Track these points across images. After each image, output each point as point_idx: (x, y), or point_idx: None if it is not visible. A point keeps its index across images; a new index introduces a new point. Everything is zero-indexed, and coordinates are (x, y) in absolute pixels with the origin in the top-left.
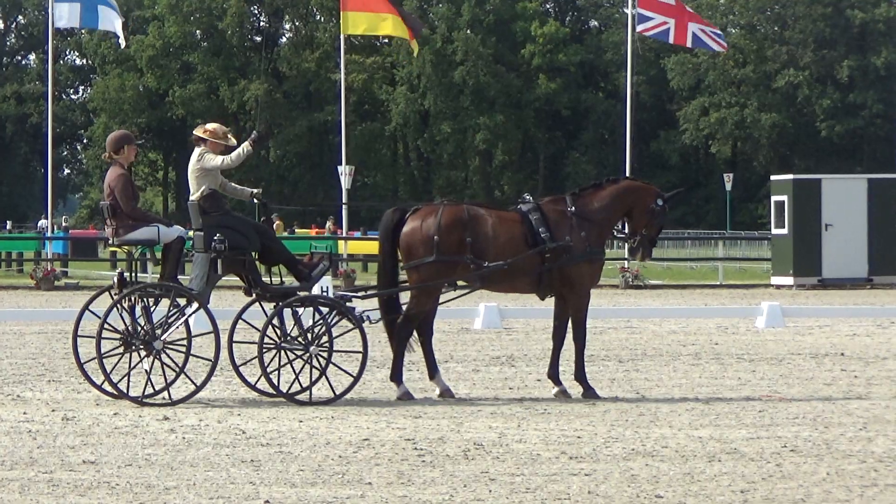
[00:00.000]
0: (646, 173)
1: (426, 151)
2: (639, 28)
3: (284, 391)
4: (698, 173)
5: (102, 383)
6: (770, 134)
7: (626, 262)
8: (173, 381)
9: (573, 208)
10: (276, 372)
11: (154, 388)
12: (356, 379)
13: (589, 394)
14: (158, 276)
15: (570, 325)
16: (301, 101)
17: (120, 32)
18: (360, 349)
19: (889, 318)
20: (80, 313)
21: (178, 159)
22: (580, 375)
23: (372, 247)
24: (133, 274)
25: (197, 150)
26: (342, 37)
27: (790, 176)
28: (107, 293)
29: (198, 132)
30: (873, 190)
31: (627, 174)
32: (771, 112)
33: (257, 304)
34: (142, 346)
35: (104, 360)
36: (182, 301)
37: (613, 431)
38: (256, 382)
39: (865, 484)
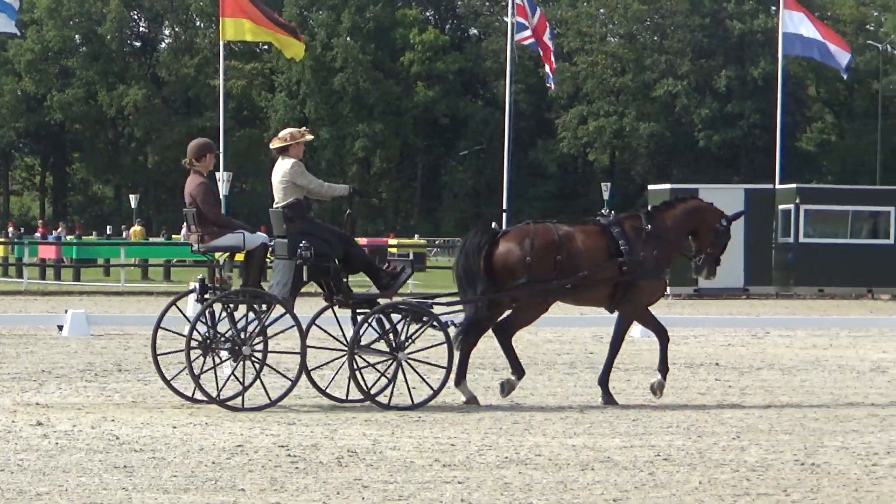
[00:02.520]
0: (524, 182)
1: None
2: (517, 37)
3: (371, 394)
4: (576, 182)
5: (194, 392)
6: (648, 143)
7: None
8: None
9: (649, 226)
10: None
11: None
12: (438, 389)
13: (607, 399)
14: (241, 282)
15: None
16: (180, 106)
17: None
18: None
19: (764, 328)
20: (161, 315)
21: (56, 164)
22: (604, 379)
23: None
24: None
25: (288, 161)
26: (221, 43)
27: (668, 185)
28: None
29: (276, 144)
30: (750, 200)
31: (505, 183)
32: (649, 121)
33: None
34: (228, 351)
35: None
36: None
37: (487, 439)
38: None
39: (738, 493)
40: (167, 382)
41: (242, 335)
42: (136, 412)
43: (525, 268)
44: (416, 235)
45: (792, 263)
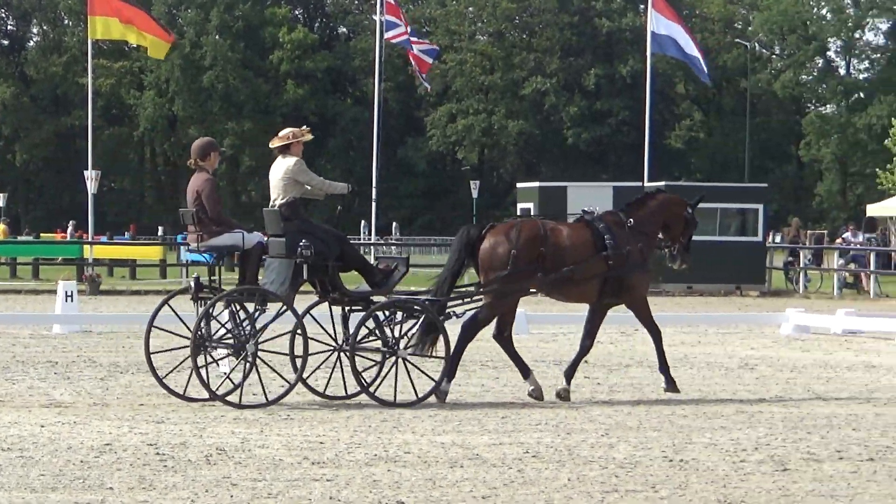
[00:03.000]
0: (393, 180)
1: (173, 156)
2: (387, 35)
3: (370, 390)
4: (445, 180)
5: (218, 392)
6: (517, 141)
7: None
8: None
9: (630, 221)
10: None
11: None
12: (438, 383)
13: (670, 387)
14: (237, 281)
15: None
16: (48, 105)
17: None
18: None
19: (633, 325)
20: (154, 314)
21: None
22: (664, 369)
23: (118, 251)
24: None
25: (291, 158)
26: (90, 41)
27: (536, 183)
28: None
29: (276, 143)
30: (619, 197)
31: (374, 181)
32: (518, 119)
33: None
34: (231, 349)
35: (161, 361)
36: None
37: (356, 437)
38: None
39: (606, 490)
40: (160, 380)
41: (246, 333)
42: (4, 411)
43: (512, 260)
44: None
45: (661, 261)
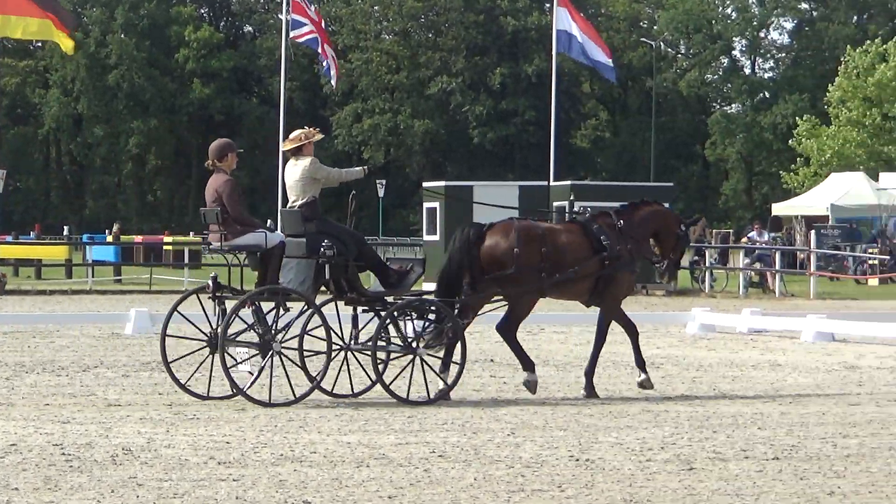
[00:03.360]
0: None
1: (79, 156)
2: (292, 34)
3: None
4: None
5: (245, 390)
6: (423, 140)
7: None
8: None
9: (620, 223)
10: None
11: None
12: (453, 383)
13: (590, 392)
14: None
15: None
16: None
17: None
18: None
19: (539, 324)
20: (169, 315)
21: None
22: (590, 371)
23: (23, 251)
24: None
25: (306, 159)
26: None
27: (442, 182)
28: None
29: (289, 146)
30: (525, 197)
31: (280, 180)
32: (424, 118)
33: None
34: (257, 348)
35: (171, 362)
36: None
37: (262, 437)
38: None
39: (513, 489)
40: (174, 378)
41: (272, 332)
42: None
43: (513, 259)
44: (191, 233)
45: None
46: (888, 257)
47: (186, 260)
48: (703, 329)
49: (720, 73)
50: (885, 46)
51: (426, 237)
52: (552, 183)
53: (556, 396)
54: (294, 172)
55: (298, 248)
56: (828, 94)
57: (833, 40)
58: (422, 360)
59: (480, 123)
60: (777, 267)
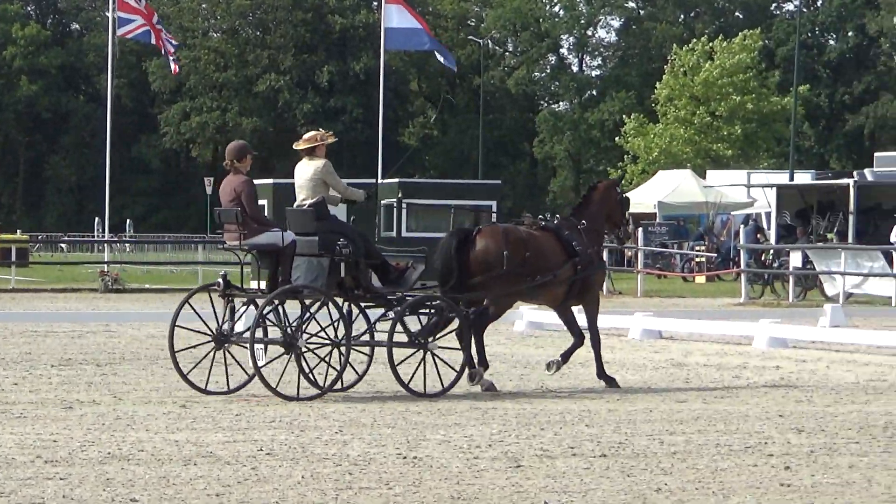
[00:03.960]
0: (127, 178)
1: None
2: (120, 31)
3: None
4: (179, 177)
5: (281, 385)
6: (251, 138)
7: (104, 265)
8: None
9: (584, 222)
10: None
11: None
12: (459, 374)
13: (611, 384)
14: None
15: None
16: None
17: None
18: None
19: None
20: (177, 311)
21: None
22: (601, 371)
23: None
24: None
25: (319, 161)
26: None
27: (270, 180)
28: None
29: (303, 145)
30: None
31: (108, 177)
32: (252, 116)
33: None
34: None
35: (178, 356)
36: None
37: (90, 435)
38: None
39: (340, 487)
40: (183, 376)
41: (294, 329)
42: None
43: (503, 261)
44: (18, 231)
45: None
46: (715, 255)
47: (13, 258)
48: (530, 327)
49: (548, 71)
50: (711, 45)
51: None
52: (380, 181)
53: (384, 394)
54: (306, 171)
55: (310, 247)
56: (655, 92)
57: (660, 39)
58: (433, 354)
59: (308, 121)
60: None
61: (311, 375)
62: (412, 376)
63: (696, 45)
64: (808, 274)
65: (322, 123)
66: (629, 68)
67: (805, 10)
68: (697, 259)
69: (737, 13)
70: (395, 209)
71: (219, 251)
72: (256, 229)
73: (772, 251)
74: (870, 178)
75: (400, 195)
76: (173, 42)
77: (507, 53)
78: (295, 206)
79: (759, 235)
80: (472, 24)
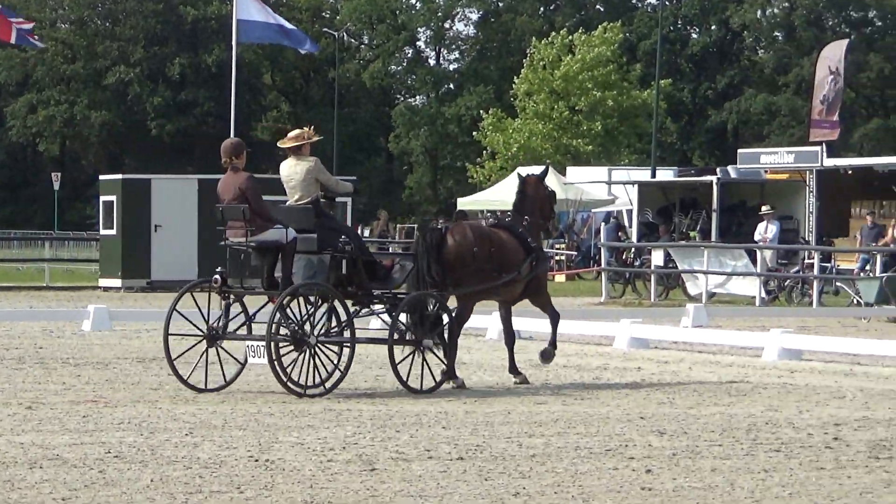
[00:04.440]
0: None
1: None
2: None
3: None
4: (26, 172)
5: (299, 382)
6: (100, 132)
7: None
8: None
9: (528, 218)
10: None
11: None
12: (446, 372)
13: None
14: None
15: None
16: None
17: None
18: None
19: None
20: (173, 305)
21: None
22: (551, 346)
23: None
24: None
25: (309, 159)
26: None
27: (119, 176)
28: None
29: (289, 143)
30: (204, 191)
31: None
32: (101, 110)
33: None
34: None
35: (173, 356)
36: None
37: None
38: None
39: (190, 490)
40: (177, 374)
41: (307, 327)
42: None
43: (473, 257)
44: None
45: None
46: (575, 253)
47: None
48: (382, 325)
49: (404, 65)
50: (571, 38)
51: (103, 231)
52: None
53: (235, 395)
54: (296, 171)
55: (308, 244)
56: (514, 86)
57: (519, 32)
58: (425, 350)
59: (159, 115)
60: None
61: (318, 374)
62: (408, 374)
63: (556, 38)
64: (670, 273)
65: (173, 117)
66: (488, 62)
67: (667, 2)
68: (557, 257)
69: (597, 6)
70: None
71: (66, 248)
72: (263, 226)
73: (633, 249)
74: (733, 174)
75: None
76: (25, 27)
77: (362, 46)
78: (288, 204)
79: (620, 233)
80: (327, 15)
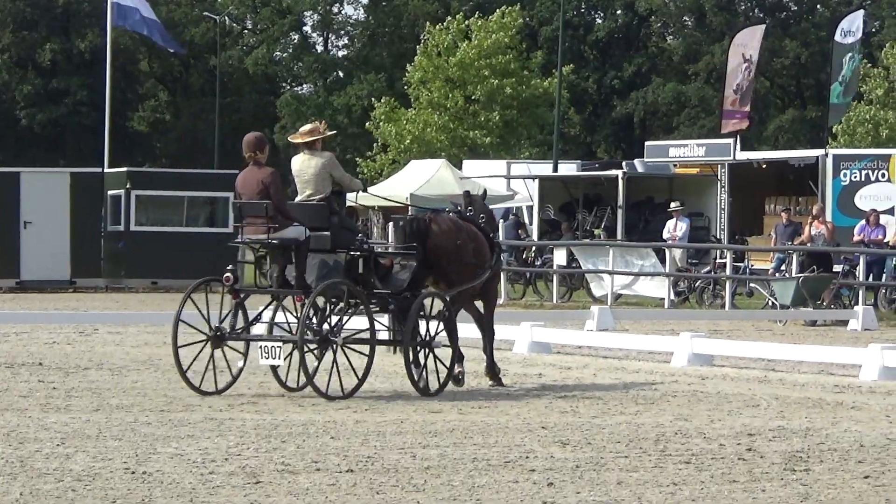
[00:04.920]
0: None
1: None
2: None
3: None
4: None
5: (327, 386)
6: None
7: None
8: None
9: (483, 217)
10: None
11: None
12: (450, 370)
13: (497, 383)
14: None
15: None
16: None
17: None
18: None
19: (92, 324)
20: (183, 301)
21: None
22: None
23: None
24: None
25: (323, 154)
26: None
27: None
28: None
29: (302, 139)
30: (77, 185)
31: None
32: None
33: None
34: (316, 343)
35: (180, 354)
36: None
37: None
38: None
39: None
40: (188, 383)
41: (330, 326)
42: None
43: (456, 249)
44: None
45: (123, 254)
46: None
47: None
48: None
49: (290, 51)
50: (467, 23)
51: None
52: (107, 170)
53: (111, 403)
54: (310, 166)
55: (321, 242)
56: (407, 74)
57: (412, 17)
58: (433, 351)
59: (28, 104)
60: None
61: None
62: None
63: (452, 23)
64: (573, 273)
65: (43, 106)
66: (379, 48)
67: None
68: None
69: None
70: (122, 201)
71: None
72: (284, 223)
73: (534, 248)
74: (640, 168)
75: (128, 185)
76: None
77: (245, 31)
78: (297, 200)
79: (520, 231)
80: None
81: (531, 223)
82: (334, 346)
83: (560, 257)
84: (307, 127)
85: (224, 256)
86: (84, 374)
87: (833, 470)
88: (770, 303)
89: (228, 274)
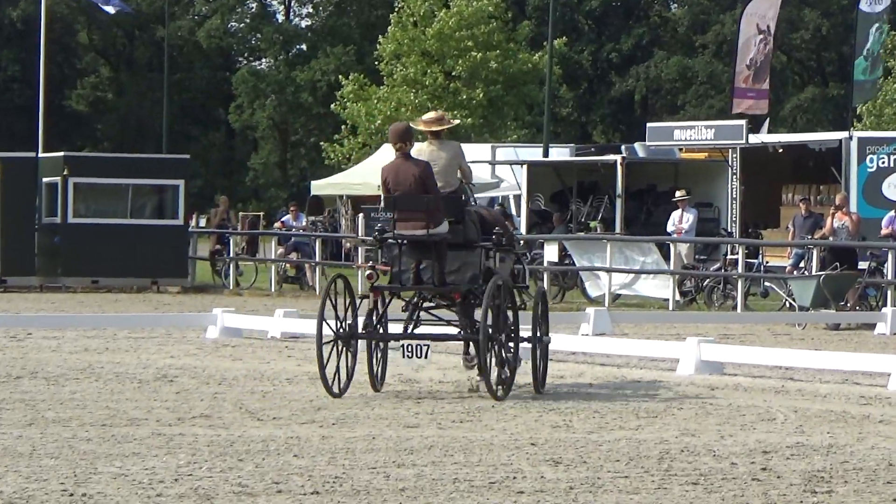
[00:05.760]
0: None
1: None
2: None
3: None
4: None
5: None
6: None
7: None
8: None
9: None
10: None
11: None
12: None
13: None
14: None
15: None
16: None
17: None
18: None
19: (25, 328)
20: (321, 314)
21: None
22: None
23: None
24: None
25: (451, 145)
26: None
27: None
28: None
29: (428, 127)
30: (9, 171)
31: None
32: None
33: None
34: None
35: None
36: None
37: None
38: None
39: None
40: (326, 384)
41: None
42: None
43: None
44: None
45: (59, 249)
46: None
47: None
48: (226, 333)
49: (247, 21)
50: None
51: None
52: (41, 154)
53: (46, 416)
54: (440, 156)
55: (458, 236)
56: (378, 47)
57: None
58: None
59: None
60: (318, 258)
61: (503, 373)
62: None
63: None
64: (566, 271)
65: None
66: (347, 18)
67: None
68: None
69: None
70: (59, 189)
71: None
72: (440, 219)
73: (522, 242)
74: (641, 153)
75: (66, 172)
76: None
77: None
78: None
79: (506, 223)
80: None
81: (518, 215)
82: (495, 344)
83: (551, 253)
84: (432, 115)
85: (172, 253)
86: (16, 383)
87: (859, 491)
88: (787, 304)
89: (371, 272)
